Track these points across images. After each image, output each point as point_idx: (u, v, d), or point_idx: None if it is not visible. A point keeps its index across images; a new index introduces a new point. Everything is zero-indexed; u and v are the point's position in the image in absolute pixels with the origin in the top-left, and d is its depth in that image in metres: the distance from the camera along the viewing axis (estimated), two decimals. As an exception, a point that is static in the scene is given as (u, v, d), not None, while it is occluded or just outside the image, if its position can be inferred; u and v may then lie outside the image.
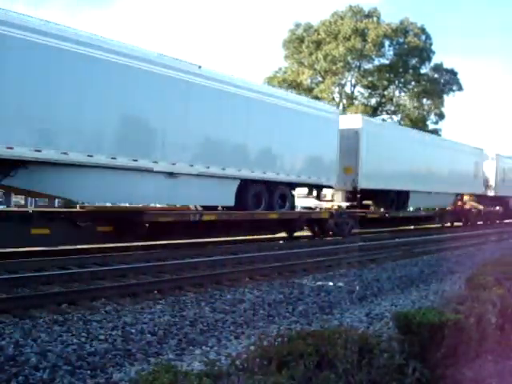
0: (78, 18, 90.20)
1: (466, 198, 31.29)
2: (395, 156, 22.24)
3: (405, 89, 45.36)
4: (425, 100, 44.86)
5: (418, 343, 4.06)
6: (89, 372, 4.95)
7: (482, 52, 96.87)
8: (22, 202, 16.52)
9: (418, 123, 41.92)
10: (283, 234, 17.71)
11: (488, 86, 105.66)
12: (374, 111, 42.57)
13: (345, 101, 43.55)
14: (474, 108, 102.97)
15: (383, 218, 21.86)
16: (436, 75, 44.42)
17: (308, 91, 41.79)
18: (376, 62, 43.33)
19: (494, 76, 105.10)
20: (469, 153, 29.62)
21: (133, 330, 6.29)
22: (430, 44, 43.17)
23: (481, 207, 32.35)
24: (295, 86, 42.32)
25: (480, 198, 31.96)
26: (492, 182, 32.30)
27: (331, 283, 10.11)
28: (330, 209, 19.69)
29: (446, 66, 44.54)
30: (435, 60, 44.06)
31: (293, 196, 18.07)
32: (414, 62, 43.42)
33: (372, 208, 22.61)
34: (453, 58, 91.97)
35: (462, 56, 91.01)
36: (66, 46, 10.67)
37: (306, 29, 43.01)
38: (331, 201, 21.10)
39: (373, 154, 20.42)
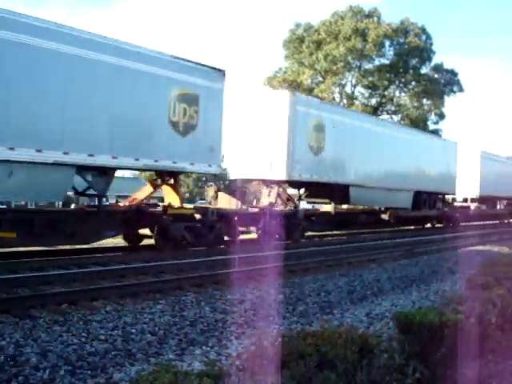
0: (78, 18, 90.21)
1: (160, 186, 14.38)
2: None
3: (405, 89, 45.39)
4: (425, 100, 44.89)
5: (418, 343, 4.06)
6: (89, 372, 4.95)
7: (482, 52, 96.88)
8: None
9: (419, 123, 41.91)
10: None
11: (488, 86, 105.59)
12: (374, 111, 42.57)
13: (345, 101, 43.57)
14: (475, 108, 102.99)
15: None
16: (436, 75, 44.44)
17: (308, 91, 41.80)
18: (376, 62, 43.41)
19: (494, 76, 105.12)
20: (165, 78, 12.69)
21: (133, 330, 6.29)
22: (431, 44, 43.23)
23: (232, 205, 15.99)
24: (295, 86, 42.33)
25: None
26: (281, 152, 16.14)
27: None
28: None
29: (447, 66, 44.59)
30: (436, 60, 44.13)
31: None
32: (414, 62, 43.43)
33: None
34: (453, 57, 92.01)
35: (462, 56, 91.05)
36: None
37: (306, 29, 43.03)
38: None
39: None
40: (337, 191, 18.74)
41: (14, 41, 9.97)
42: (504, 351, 4.83)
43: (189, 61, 13.44)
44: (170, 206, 13.55)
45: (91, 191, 12.51)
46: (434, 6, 76.70)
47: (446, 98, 44.97)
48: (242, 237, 15.32)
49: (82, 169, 11.45)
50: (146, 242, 13.73)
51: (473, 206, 30.85)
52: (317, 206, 21.33)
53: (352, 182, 18.97)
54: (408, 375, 3.72)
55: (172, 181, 14.20)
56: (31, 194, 11.13)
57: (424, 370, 3.83)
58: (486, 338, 4.68)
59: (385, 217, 22.28)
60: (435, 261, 14.43)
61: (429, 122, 45.18)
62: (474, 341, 4.42)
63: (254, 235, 16.08)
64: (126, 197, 15.88)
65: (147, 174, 58.09)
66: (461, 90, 44.67)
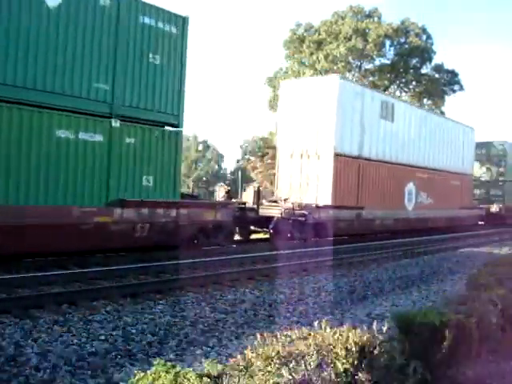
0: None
1: None
2: None
3: (406, 89, 45.34)
4: (425, 100, 44.89)
5: (418, 343, 4.05)
6: (89, 372, 4.95)
7: (483, 51, 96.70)
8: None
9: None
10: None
11: (488, 84, 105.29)
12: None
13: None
14: (476, 105, 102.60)
15: None
16: (437, 75, 44.41)
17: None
18: (377, 62, 43.33)
19: (494, 75, 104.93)
20: None
21: (133, 331, 6.29)
22: (431, 44, 43.19)
23: None
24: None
25: None
26: None
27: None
28: None
29: (447, 63, 44.60)
30: (436, 59, 44.12)
31: None
32: (414, 61, 43.42)
33: None
34: (453, 53, 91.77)
35: (462, 53, 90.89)
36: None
37: (306, 29, 43.02)
38: None
39: None
40: None
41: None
42: (505, 352, 4.82)
43: None
44: None
45: None
46: (434, 6, 76.48)
47: (446, 96, 44.98)
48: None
49: None
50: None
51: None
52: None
53: None
54: (409, 375, 3.71)
55: None
56: None
57: (425, 370, 3.82)
58: (487, 338, 4.67)
59: None
60: (436, 261, 14.43)
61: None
62: (475, 341, 4.41)
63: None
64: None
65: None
66: (461, 89, 44.69)
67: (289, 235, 16.29)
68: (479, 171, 33.15)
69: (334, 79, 18.68)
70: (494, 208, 31.52)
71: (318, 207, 17.11)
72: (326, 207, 17.28)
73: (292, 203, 16.95)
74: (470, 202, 28.80)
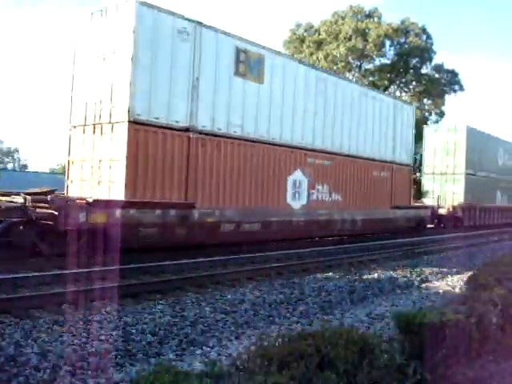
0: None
1: None
2: None
3: (406, 89, 45.40)
4: (425, 100, 44.94)
5: (418, 343, 4.06)
6: (89, 372, 4.94)
7: (483, 50, 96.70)
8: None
9: (419, 123, 41.86)
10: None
11: (488, 80, 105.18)
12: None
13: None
14: (476, 103, 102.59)
15: None
16: (437, 75, 44.45)
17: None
18: (377, 62, 43.44)
19: (494, 73, 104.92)
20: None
21: (133, 331, 6.28)
22: (431, 44, 43.23)
23: None
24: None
25: None
26: None
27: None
28: None
29: (447, 64, 44.68)
30: (437, 59, 44.17)
31: None
32: (414, 61, 43.47)
33: None
34: (454, 55, 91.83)
35: (462, 54, 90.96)
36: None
37: (306, 29, 43.12)
38: None
39: None
40: None
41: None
42: (505, 351, 4.83)
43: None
44: None
45: None
46: (434, 6, 76.53)
47: (446, 96, 45.03)
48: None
49: None
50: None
51: None
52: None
53: None
54: (408, 375, 3.71)
55: None
56: None
57: (424, 370, 3.82)
58: (487, 338, 4.68)
59: None
60: (436, 261, 14.43)
61: (429, 122, 45.19)
62: (475, 341, 4.41)
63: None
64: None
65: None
66: (461, 89, 44.72)
67: (37, 248, 10.52)
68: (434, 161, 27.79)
69: (130, 5, 11.72)
70: (447, 207, 25.52)
71: (88, 204, 10.74)
72: (108, 204, 11.06)
73: (24, 198, 10.78)
74: (407, 199, 22.01)
